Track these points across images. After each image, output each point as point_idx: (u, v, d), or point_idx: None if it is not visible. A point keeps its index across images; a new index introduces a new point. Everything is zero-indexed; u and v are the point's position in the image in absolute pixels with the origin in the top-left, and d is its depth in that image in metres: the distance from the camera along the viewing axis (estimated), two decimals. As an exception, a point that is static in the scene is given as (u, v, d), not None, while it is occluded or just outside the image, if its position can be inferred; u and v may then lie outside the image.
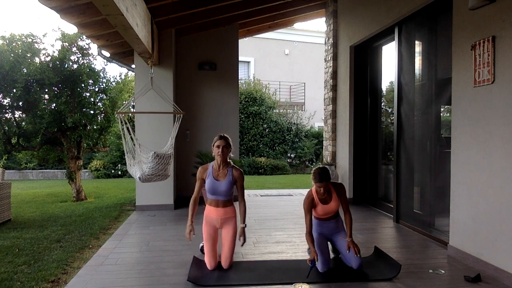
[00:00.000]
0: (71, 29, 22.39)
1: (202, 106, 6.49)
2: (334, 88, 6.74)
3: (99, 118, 7.48)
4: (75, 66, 6.95)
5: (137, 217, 5.25)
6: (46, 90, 6.72)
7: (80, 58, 7.04)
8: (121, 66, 6.56)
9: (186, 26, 6.01)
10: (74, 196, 7.15)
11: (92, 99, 7.26)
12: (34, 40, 6.58)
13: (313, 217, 3.31)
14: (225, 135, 3.27)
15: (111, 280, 2.99)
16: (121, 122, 4.18)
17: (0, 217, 4.99)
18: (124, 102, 7.24)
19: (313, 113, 15.54)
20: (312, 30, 18.54)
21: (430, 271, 3.16)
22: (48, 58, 6.74)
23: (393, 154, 5.04)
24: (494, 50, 3.03)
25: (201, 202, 5.02)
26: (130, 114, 5.94)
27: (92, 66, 7.17)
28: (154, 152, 4.14)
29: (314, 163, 14.26)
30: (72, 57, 6.93)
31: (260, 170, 12.78)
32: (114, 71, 42.29)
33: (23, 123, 6.88)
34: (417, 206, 4.60)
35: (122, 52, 5.95)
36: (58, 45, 6.86)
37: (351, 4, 6.06)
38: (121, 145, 10.10)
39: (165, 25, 5.59)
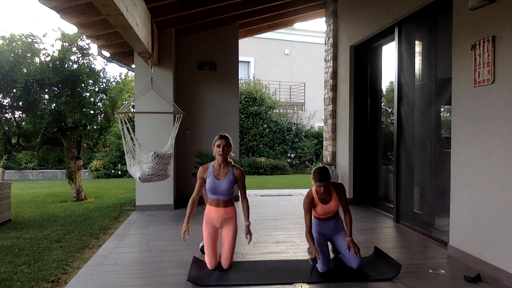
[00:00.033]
0: (71, 29, 22.41)
1: (202, 106, 6.49)
2: (334, 88, 6.74)
3: (99, 118, 7.48)
4: (75, 66, 6.95)
5: (137, 217, 5.25)
6: (46, 90, 6.72)
7: (80, 58, 7.05)
8: (121, 66, 6.56)
9: (186, 26, 6.01)
10: (74, 196, 7.15)
11: (92, 99, 7.26)
12: (34, 40, 6.59)
13: (313, 217, 3.31)
14: (226, 134, 3.27)
15: (111, 280, 2.99)
16: (121, 122, 4.18)
17: (0, 217, 4.99)
18: (124, 102, 7.24)
19: (313, 113, 15.55)
20: (312, 30, 18.54)
21: (430, 271, 3.16)
22: (48, 58, 6.75)
23: (393, 154, 5.04)
24: (494, 50, 3.03)
25: (201, 202, 5.04)
26: (130, 114, 5.95)
27: (92, 66, 7.18)
28: (154, 152, 4.14)
29: (314, 163, 14.25)
30: (72, 57, 6.93)
31: (260, 170, 12.79)
32: (114, 71, 42.36)
33: (23, 123, 6.89)
34: (417, 206, 4.60)
35: (122, 52, 5.96)
36: (58, 45, 6.88)
37: (351, 4, 6.06)
38: (121, 145, 10.10)
39: (165, 25, 5.59)
